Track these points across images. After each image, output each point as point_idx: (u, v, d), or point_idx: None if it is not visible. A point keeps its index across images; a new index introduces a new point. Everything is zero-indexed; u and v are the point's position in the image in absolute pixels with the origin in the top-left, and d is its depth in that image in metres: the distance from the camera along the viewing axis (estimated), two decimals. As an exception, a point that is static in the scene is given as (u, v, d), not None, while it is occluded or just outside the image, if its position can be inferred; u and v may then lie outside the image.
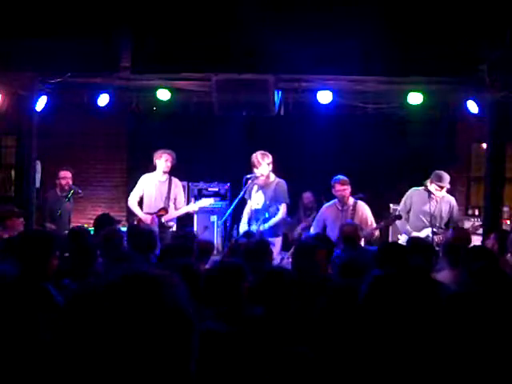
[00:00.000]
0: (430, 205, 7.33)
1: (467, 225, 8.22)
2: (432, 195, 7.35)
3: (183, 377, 1.09)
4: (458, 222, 7.52)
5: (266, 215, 7.52)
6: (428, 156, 9.61)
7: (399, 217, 7.46)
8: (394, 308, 2.40)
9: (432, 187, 7.36)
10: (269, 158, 7.63)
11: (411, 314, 2.33)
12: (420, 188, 7.50)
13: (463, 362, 2.16)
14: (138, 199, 8.09)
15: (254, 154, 7.62)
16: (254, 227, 7.48)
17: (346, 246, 6.11)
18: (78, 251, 4.69)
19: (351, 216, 7.48)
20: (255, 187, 7.75)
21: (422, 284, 2.75)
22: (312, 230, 7.68)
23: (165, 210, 7.98)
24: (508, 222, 8.54)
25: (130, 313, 1.06)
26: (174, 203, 8.09)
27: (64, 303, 1.13)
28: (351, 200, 7.60)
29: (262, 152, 7.62)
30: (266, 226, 7.48)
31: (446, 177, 7.39)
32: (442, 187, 7.32)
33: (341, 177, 7.57)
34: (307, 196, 9.86)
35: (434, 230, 7.23)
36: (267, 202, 7.63)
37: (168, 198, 8.07)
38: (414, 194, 7.59)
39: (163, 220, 7.89)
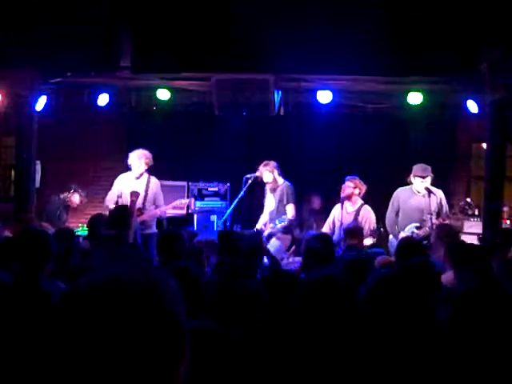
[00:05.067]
0: (414, 200, 7.37)
1: (467, 225, 8.22)
2: (417, 190, 7.38)
3: (170, 381, 1.09)
4: (448, 215, 7.52)
5: (277, 222, 7.69)
6: (428, 156, 9.60)
7: (375, 233, 7.48)
8: (394, 308, 2.41)
9: (417, 181, 7.36)
10: (270, 166, 7.91)
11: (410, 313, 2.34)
12: (406, 187, 7.53)
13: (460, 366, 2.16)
14: (115, 201, 7.71)
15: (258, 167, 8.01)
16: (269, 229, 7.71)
17: (348, 247, 6.12)
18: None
19: (354, 219, 7.51)
20: (268, 191, 8.11)
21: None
22: (324, 228, 7.75)
23: (139, 210, 7.41)
24: (508, 221, 8.54)
25: (117, 314, 1.05)
26: (155, 203, 7.75)
27: (56, 302, 1.12)
28: (359, 203, 7.62)
29: (264, 162, 8.00)
30: (278, 225, 7.57)
31: (428, 167, 7.41)
32: (425, 177, 7.33)
33: (353, 176, 7.71)
34: (316, 202, 9.75)
35: (417, 224, 7.24)
36: (277, 205, 7.91)
37: (146, 197, 7.66)
38: (399, 193, 7.61)
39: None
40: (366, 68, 6.98)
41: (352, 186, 7.58)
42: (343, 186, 7.59)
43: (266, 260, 5.81)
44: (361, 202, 7.66)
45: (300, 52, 6.87)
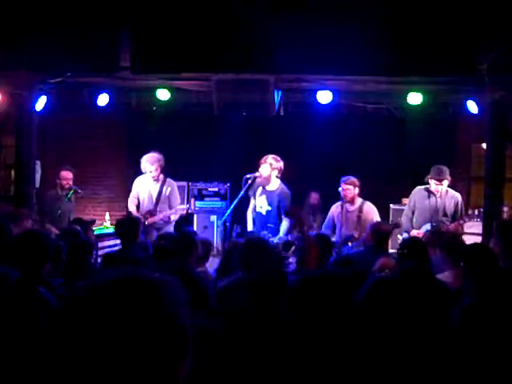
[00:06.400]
0: (430, 200, 7.38)
1: (467, 225, 8.21)
2: (433, 191, 7.40)
3: (173, 381, 1.09)
4: (464, 219, 7.55)
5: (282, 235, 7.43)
6: (428, 156, 9.60)
7: (398, 225, 7.51)
8: (392, 311, 2.41)
9: (432, 183, 7.41)
10: (277, 162, 7.71)
11: (409, 316, 2.33)
12: (423, 186, 7.56)
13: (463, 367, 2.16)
14: (136, 202, 8.10)
15: (265, 156, 7.71)
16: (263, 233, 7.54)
17: (376, 246, 5.88)
18: (70, 251, 4.63)
19: (357, 217, 7.49)
20: (260, 189, 7.83)
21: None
22: (323, 229, 7.71)
23: (150, 213, 7.91)
24: (508, 222, 8.52)
25: (123, 315, 1.06)
26: (170, 205, 8.02)
27: (60, 303, 1.13)
28: (359, 201, 7.61)
29: (274, 156, 7.73)
30: (276, 239, 7.40)
31: (445, 170, 7.43)
32: (440, 180, 7.36)
33: (347, 177, 7.61)
34: (314, 197, 9.76)
35: (433, 224, 7.25)
36: (270, 209, 7.66)
37: (158, 199, 8.01)
38: (416, 192, 7.66)
39: (146, 223, 7.70)
40: (366, 68, 6.97)
41: (351, 188, 7.55)
42: (342, 190, 7.53)
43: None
44: (360, 199, 7.65)
45: (300, 52, 6.86)
